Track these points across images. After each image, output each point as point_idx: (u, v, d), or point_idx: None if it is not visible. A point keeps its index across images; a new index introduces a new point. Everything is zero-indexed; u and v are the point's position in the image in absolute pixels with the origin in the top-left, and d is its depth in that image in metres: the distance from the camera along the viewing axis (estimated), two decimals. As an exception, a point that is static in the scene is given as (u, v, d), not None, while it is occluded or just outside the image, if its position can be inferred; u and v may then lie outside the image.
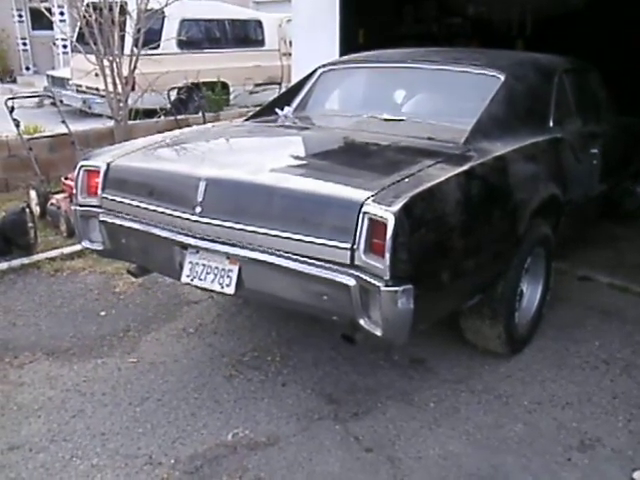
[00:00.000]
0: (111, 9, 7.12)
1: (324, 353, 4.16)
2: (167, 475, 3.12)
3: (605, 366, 4.08)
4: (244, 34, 13.53)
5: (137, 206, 3.71)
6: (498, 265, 3.73)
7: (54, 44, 17.53)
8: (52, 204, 6.31)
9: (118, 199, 3.81)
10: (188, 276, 3.56)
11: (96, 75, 7.83)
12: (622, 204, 6.20)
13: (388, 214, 2.86)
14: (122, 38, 7.66)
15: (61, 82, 13.13)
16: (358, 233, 2.95)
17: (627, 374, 4.00)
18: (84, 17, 7.23)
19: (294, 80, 6.53)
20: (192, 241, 3.47)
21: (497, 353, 4.08)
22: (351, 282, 2.99)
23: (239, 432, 3.43)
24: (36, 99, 12.11)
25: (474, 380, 3.91)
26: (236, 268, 3.40)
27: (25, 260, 5.49)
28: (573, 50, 5.30)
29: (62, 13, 15.38)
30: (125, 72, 7.33)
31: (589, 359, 4.16)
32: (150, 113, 9.09)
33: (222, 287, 3.44)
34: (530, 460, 3.24)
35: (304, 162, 3.96)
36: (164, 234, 3.58)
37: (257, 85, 12.53)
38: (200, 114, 9.12)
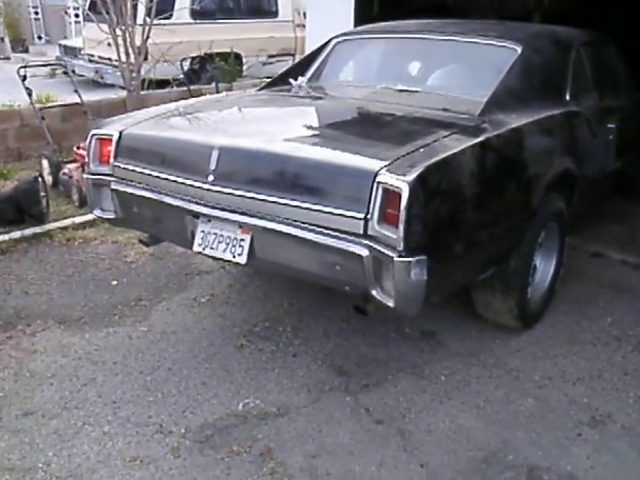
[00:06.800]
0: (124, -23, 7.06)
1: (335, 324, 4.16)
2: (177, 444, 3.13)
3: (617, 343, 4.07)
4: (258, 5, 13.43)
5: (149, 174, 3.69)
6: (511, 238, 3.70)
7: (66, 13, 17.48)
8: (64, 173, 6.31)
9: (130, 167, 3.79)
10: (200, 245, 3.55)
11: (108, 45, 7.80)
12: (637, 180, 6.13)
13: (402, 184, 2.83)
14: (135, 7, 7.61)
15: (73, 52, 13.10)
16: (372, 203, 2.93)
17: (638, 351, 3.98)
18: (97, -15, 7.19)
19: (308, 52, 6.47)
20: (204, 210, 3.46)
21: (509, 327, 4.07)
22: (364, 252, 2.98)
23: (249, 402, 3.44)
24: (48, 68, 12.07)
25: (485, 354, 3.90)
26: (248, 237, 3.39)
27: (37, 229, 5.50)
28: (592, 23, 5.23)
29: (74, -18, 15.28)
30: (138, 42, 7.29)
31: (601, 335, 4.14)
32: (163, 83, 9.06)
33: (234, 256, 3.43)
34: (540, 435, 3.24)
35: (318, 132, 3.93)
36: (176, 203, 3.57)
37: (270, 56, 12.43)
38: (213, 85, 9.07)
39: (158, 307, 4.39)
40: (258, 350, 3.90)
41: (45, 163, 6.63)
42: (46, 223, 5.61)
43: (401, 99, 4.18)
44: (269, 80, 5.19)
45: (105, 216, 4.06)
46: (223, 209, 3.40)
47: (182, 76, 8.87)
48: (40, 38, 19.07)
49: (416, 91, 4.32)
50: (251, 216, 3.30)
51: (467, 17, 6.19)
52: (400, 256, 2.87)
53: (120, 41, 7.21)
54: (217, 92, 8.02)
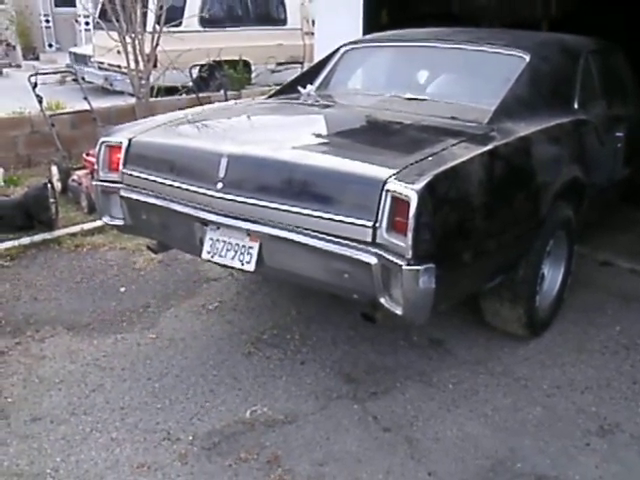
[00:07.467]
0: (133, -14, 7.10)
1: (343, 332, 4.16)
2: (185, 450, 3.14)
3: (625, 351, 4.05)
4: (266, 12, 13.42)
5: (158, 182, 3.70)
6: (520, 247, 3.70)
7: (76, 21, 17.56)
8: (73, 180, 6.34)
9: (139, 175, 3.80)
10: (209, 252, 3.55)
11: (118, 52, 7.82)
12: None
13: (411, 192, 2.84)
14: (144, 15, 7.64)
15: (83, 59, 13.15)
16: (380, 211, 2.94)
17: (648, 360, 3.97)
18: (107, -7, 7.23)
19: (316, 60, 6.49)
20: (213, 217, 3.47)
21: (517, 336, 4.06)
22: (372, 260, 2.98)
23: (257, 409, 3.44)
24: (58, 76, 12.12)
25: (493, 362, 3.89)
26: (257, 245, 3.39)
27: (46, 235, 5.53)
28: (600, 31, 5.22)
29: (85, -10, 15.35)
30: (147, 49, 7.31)
31: (609, 344, 4.12)
32: (172, 91, 9.08)
33: (242, 264, 3.43)
34: (548, 444, 3.23)
35: (326, 139, 3.94)
36: (185, 210, 3.58)
37: (279, 64, 12.46)
38: (221, 92, 9.10)
39: (166, 314, 4.40)
40: (266, 357, 3.90)
41: (54, 170, 6.67)
42: (55, 229, 5.64)
43: (409, 107, 4.18)
44: (278, 88, 5.20)
45: (114, 223, 4.07)
46: (232, 216, 3.40)
47: (191, 84, 8.89)
48: (51, 46, 19.13)
49: (424, 99, 4.32)
50: (259, 224, 3.31)
51: (474, 25, 6.20)
52: (409, 264, 2.87)
53: (130, 49, 7.24)
54: (226, 100, 8.04)
